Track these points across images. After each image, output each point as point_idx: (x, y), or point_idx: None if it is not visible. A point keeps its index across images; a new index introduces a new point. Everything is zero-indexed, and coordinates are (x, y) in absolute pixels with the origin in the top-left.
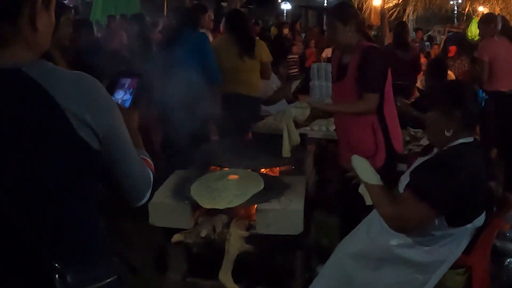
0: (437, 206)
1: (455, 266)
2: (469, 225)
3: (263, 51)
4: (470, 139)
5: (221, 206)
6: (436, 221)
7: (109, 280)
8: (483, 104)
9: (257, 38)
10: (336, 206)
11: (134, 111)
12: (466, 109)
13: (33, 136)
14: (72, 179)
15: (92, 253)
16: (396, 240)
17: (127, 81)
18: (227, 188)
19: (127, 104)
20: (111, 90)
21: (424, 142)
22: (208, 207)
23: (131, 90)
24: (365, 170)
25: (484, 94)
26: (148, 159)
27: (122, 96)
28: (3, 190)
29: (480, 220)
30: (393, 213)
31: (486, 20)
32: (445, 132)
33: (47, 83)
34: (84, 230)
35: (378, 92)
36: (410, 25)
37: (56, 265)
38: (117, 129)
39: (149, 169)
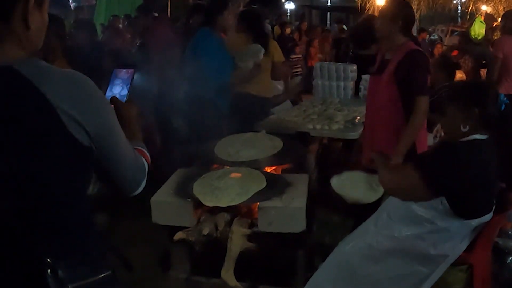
0: (432, 183)
1: (456, 263)
2: (475, 221)
3: (275, 51)
4: (484, 137)
5: (223, 204)
6: (441, 206)
7: (102, 275)
8: (503, 107)
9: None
10: (338, 204)
11: (132, 104)
12: (485, 108)
13: (24, 132)
14: (63, 175)
15: (84, 248)
16: (403, 231)
17: (123, 76)
18: (229, 186)
19: (125, 99)
20: (108, 85)
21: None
22: (210, 205)
23: (127, 84)
24: (360, 193)
25: (505, 99)
26: (145, 150)
27: (119, 91)
28: None
29: (487, 217)
30: (390, 176)
31: (510, 16)
32: (461, 127)
33: (38, 80)
34: (76, 225)
35: (427, 94)
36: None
37: (48, 260)
38: (109, 126)
39: (143, 158)
